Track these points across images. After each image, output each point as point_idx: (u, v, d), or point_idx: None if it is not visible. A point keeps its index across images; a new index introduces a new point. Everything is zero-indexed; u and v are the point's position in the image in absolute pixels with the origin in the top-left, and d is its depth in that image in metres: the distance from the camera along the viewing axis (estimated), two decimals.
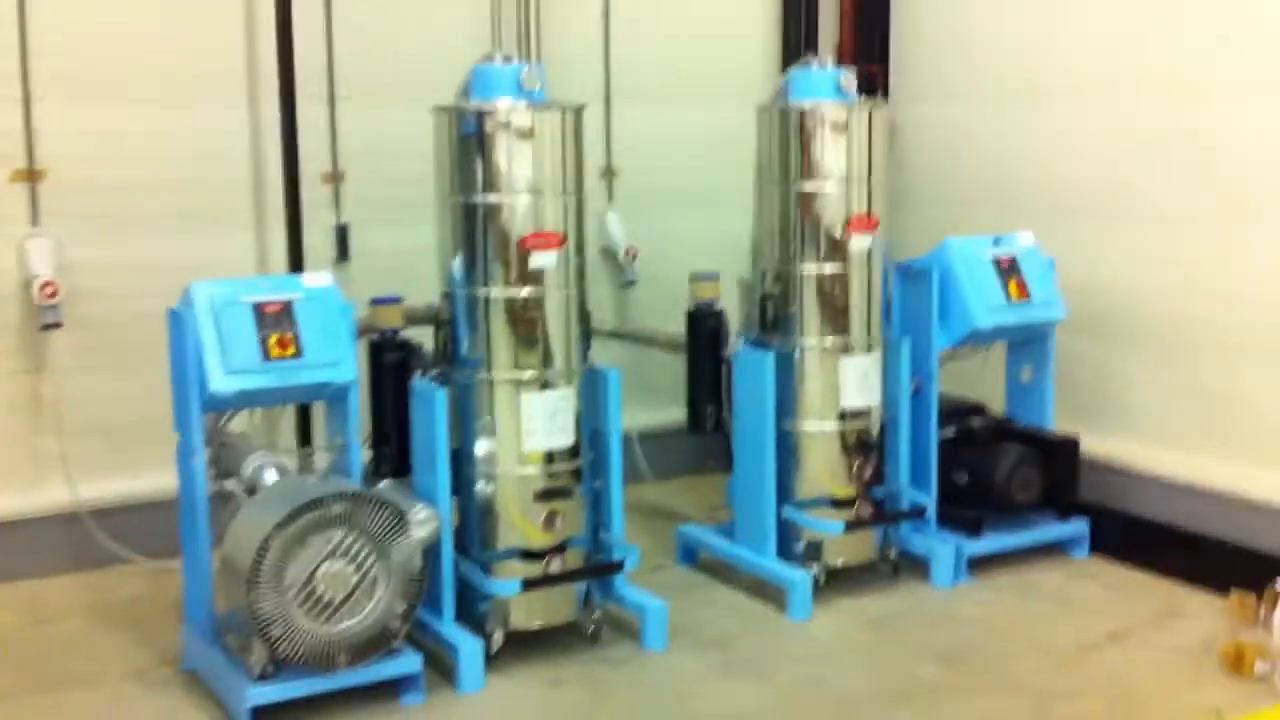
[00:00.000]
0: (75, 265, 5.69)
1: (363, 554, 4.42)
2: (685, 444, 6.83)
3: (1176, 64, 6.03)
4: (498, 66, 4.96)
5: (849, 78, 5.66)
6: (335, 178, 6.18)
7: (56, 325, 5.55)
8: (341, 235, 6.19)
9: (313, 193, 6.09)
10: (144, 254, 5.83)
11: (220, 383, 4.51)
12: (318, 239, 6.11)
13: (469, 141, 4.88)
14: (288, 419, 5.94)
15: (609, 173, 6.91)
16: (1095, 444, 6.14)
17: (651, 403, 6.60)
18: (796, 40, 7.34)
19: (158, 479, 5.53)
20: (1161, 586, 5.71)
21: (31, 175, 5.63)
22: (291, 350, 4.61)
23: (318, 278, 4.85)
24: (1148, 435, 6.20)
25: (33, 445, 5.77)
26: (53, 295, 5.50)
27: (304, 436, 5.83)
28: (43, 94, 5.63)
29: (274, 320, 4.61)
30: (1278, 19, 5.61)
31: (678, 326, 5.87)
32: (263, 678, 4.38)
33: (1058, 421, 6.17)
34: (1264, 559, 5.44)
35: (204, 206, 5.96)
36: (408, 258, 5.75)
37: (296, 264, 5.90)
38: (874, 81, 7.16)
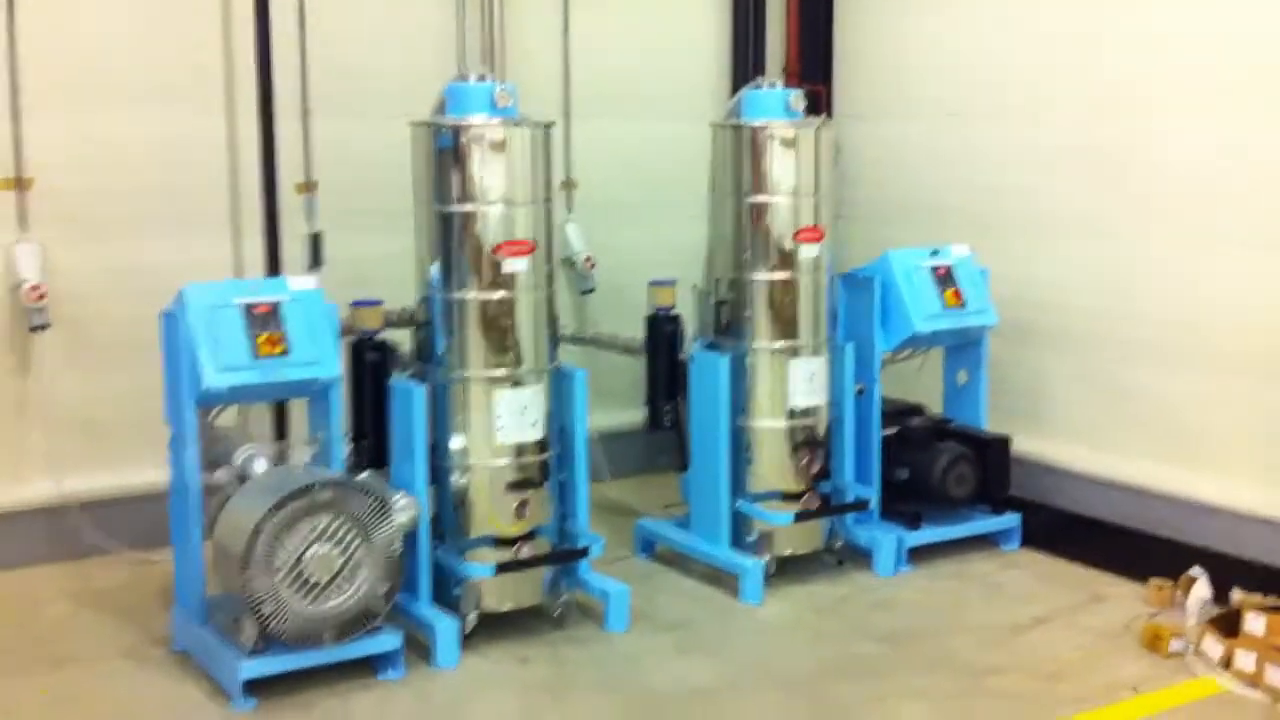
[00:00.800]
0: (61, 269, 5.89)
1: (347, 538, 4.72)
2: (640, 444, 7.16)
3: (1091, 87, 6.42)
4: (472, 85, 5.27)
5: (797, 98, 6.00)
6: (308, 187, 6.42)
7: (44, 327, 5.75)
8: (315, 242, 6.42)
9: (286, 201, 6.32)
10: (126, 258, 6.05)
11: (214, 379, 4.77)
12: (291, 246, 6.34)
13: (445, 154, 5.17)
14: (262, 415, 6.16)
15: (568, 185, 7.18)
16: (1026, 443, 6.50)
17: (609, 405, 6.86)
18: (746, 59, 7.66)
19: (139, 473, 5.81)
20: (1086, 575, 6.07)
21: (19, 184, 5.82)
22: (280, 349, 4.88)
23: (303, 281, 5.14)
24: (1074, 435, 6.56)
25: (19, 441, 5.95)
26: (40, 298, 5.71)
27: (280, 430, 6.07)
28: (30, 105, 5.82)
29: (263, 320, 4.89)
30: (1183, 47, 6.01)
31: (635, 331, 6.17)
32: (254, 653, 4.66)
33: (991, 422, 6.51)
34: (1181, 549, 5.82)
35: (183, 213, 6.20)
36: (375, 264, 6.07)
37: (274, 269, 6.15)
38: (818, 100, 7.47)
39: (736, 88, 7.18)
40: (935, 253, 6.39)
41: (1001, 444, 6.35)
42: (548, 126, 5.37)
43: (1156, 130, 6.16)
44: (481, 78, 5.31)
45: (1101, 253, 6.43)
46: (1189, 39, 6.00)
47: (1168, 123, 6.12)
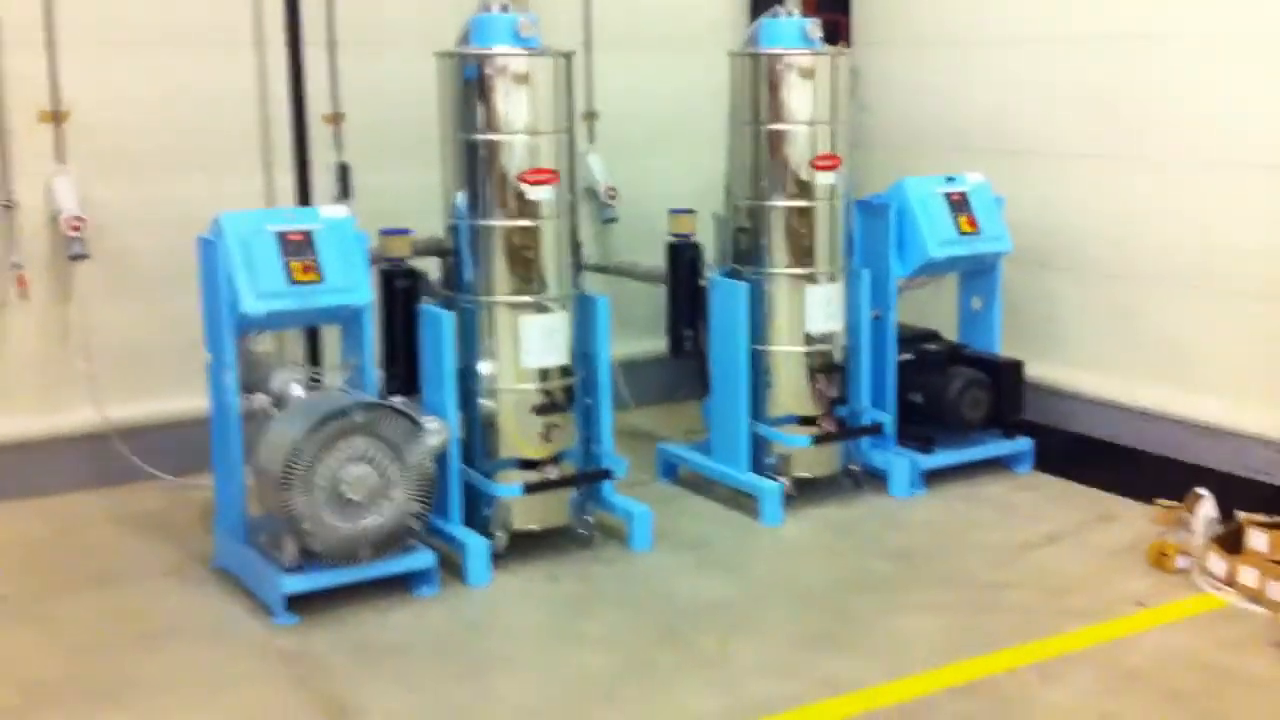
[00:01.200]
0: (98, 202, 6.03)
1: (382, 458, 4.90)
2: (661, 372, 7.26)
3: (1107, 16, 6.52)
4: (496, 15, 5.36)
5: (814, 26, 6.07)
6: (335, 119, 6.53)
7: (83, 257, 5.89)
8: (343, 173, 6.54)
9: (314, 133, 6.44)
10: (161, 191, 6.19)
11: (251, 305, 4.94)
12: (320, 177, 6.47)
13: (470, 85, 5.29)
14: (294, 340, 6.32)
15: (590, 116, 7.25)
16: (1038, 368, 6.64)
17: (631, 333, 6.94)
18: None
19: (179, 400, 6.00)
20: (1096, 496, 6.21)
21: (56, 117, 5.95)
22: (313, 275, 5.04)
23: (335, 209, 5.28)
24: (1085, 360, 6.70)
25: (61, 369, 6.13)
26: (78, 229, 5.84)
27: (312, 356, 6.23)
28: (64, 41, 5.94)
29: (297, 248, 5.03)
30: None
31: (656, 260, 6.31)
32: (294, 570, 4.87)
33: (1005, 348, 6.63)
34: (1188, 469, 5.97)
35: (215, 147, 6.33)
36: (402, 195, 6.17)
37: (305, 200, 6.29)
38: (837, 29, 7.52)
39: (756, 17, 7.28)
40: (950, 180, 6.48)
41: (1014, 369, 6.48)
42: (569, 56, 5.47)
43: (1169, 61, 6.24)
44: (504, 8, 5.40)
45: (1115, 181, 6.54)
46: None
47: (1179, 52, 6.20)
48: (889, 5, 7.73)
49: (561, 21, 6.97)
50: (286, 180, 6.39)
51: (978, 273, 6.66)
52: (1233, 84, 5.99)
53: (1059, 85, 6.76)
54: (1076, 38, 6.64)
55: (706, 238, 6.26)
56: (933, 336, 6.67)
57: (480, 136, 5.31)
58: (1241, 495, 5.64)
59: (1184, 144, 6.21)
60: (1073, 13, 6.66)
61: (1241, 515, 5.49)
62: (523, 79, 5.29)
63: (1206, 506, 5.56)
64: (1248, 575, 5.10)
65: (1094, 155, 6.61)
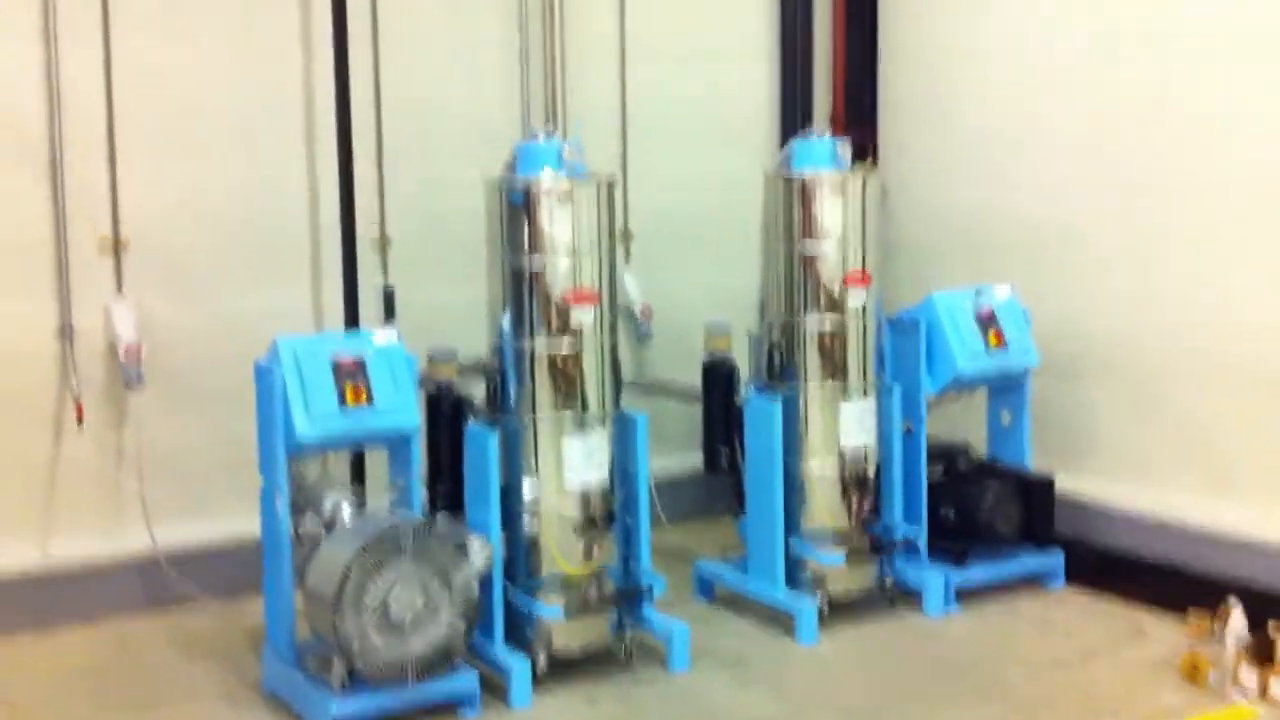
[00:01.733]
0: (152, 322, 6.17)
1: (429, 580, 4.99)
2: (696, 489, 7.26)
3: (1125, 123, 6.70)
4: (541, 144, 5.55)
5: (844, 146, 6.24)
6: (382, 238, 6.71)
7: (138, 380, 6.01)
8: (388, 295, 6.67)
9: (362, 251, 6.57)
10: (213, 309, 6.34)
11: (305, 428, 5.06)
12: (366, 294, 6.56)
13: (516, 210, 5.45)
14: (339, 460, 6.35)
15: (625, 235, 7.35)
16: (1069, 480, 6.67)
17: (665, 448, 6.90)
18: (794, 106, 7.86)
19: (230, 522, 6.07)
20: (1128, 611, 6.24)
21: (116, 244, 6.13)
22: (364, 399, 5.17)
23: (386, 334, 5.43)
24: (1114, 471, 6.74)
25: (116, 492, 6.21)
26: (135, 355, 5.98)
27: (359, 475, 6.29)
28: (122, 160, 6.12)
29: (349, 372, 5.17)
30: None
31: (692, 375, 6.40)
32: (342, 692, 4.92)
33: (1035, 460, 6.69)
34: (1219, 582, 5.95)
35: (265, 262, 6.48)
36: (444, 311, 6.35)
37: (353, 318, 6.42)
38: (864, 146, 7.64)
39: (785, 136, 7.48)
40: (978, 293, 6.59)
41: (1046, 484, 6.55)
42: (611, 182, 5.65)
43: (1196, 154, 6.39)
44: (549, 135, 5.61)
45: (1143, 283, 6.65)
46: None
47: (1204, 148, 6.35)
48: (914, 118, 7.88)
49: (598, 136, 7.07)
50: (335, 295, 6.52)
51: (1006, 386, 6.74)
52: (1259, 174, 6.14)
53: (1084, 186, 6.88)
54: (1102, 140, 6.79)
55: (740, 351, 6.36)
56: (963, 451, 6.74)
57: (526, 260, 5.45)
58: (1275, 606, 5.65)
59: (1218, 240, 6.31)
60: (1104, 123, 6.79)
61: (1272, 625, 5.54)
62: (566, 205, 5.45)
63: (1237, 617, 5.58)
64: (1279, 686, 5.14)
65: (1122, 255, 6.71)
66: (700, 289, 7.50)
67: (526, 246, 5.45)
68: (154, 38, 6.19)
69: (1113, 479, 6.75)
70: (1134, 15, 6.64)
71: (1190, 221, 6.42)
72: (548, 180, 5.45)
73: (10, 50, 5.95)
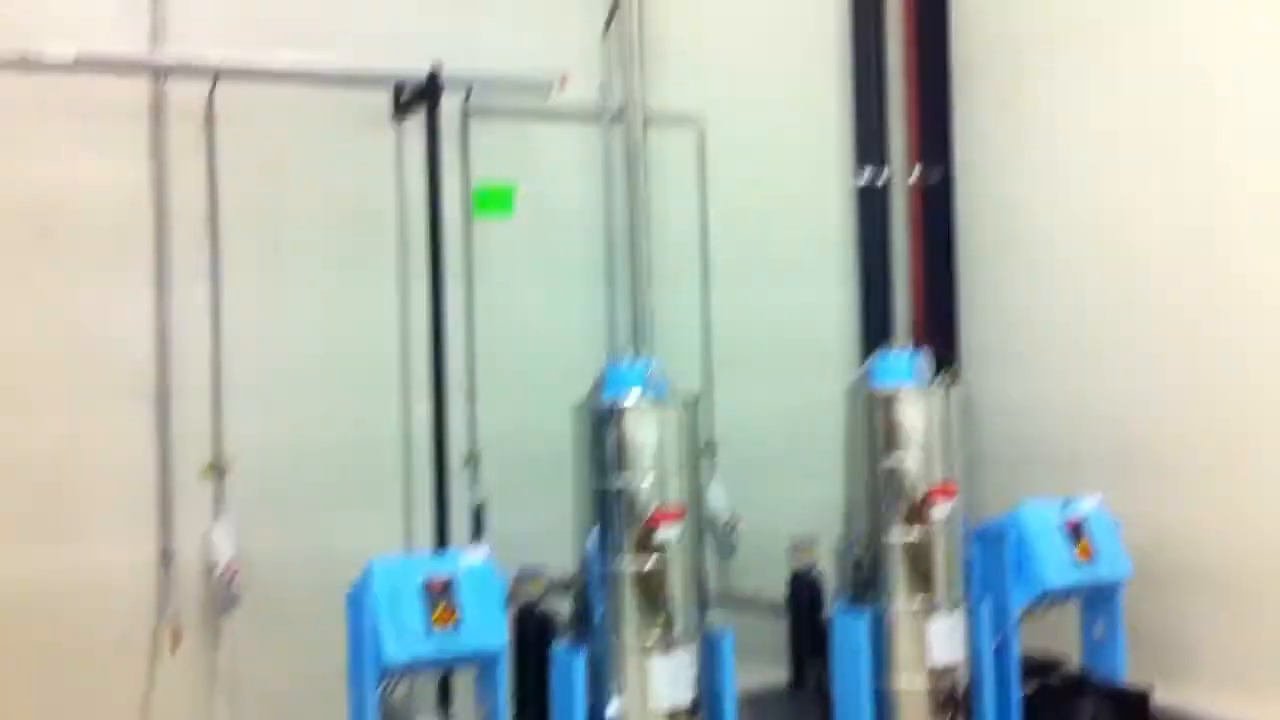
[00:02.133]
0: (248, 547, 6.30)
1: None
2: (782, 704, 7.03)
3: (1209, 321, 6.76)
4: (626, 367, 5.77)
5: (925, 360, 6.37)
6: (472, 460, 6.88)
7: (234, 604, 6.16)
8: (478, 515, 6.80)
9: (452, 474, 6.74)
10: (308, 534, 6.48)
11: (394, 652, 5.16)
12: (456, 514, 6.69)
13: (602, 433, 5.63)
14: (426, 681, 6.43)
15: (710, 447, 7.44)
16: (1166, 693, 6.52)
17: (750, 664, 6.61)
18: (874, 321, 8.02)
19: None
20: None
21: (218, 470, 6.36)
22: (452, 621, 5.27)
23: (475, 553, 5.56)
24: (1214, 679, 6.61)
25: (207, 717, 6.31)
26: (233, 579, 6.13)
27: (443, 696, 6.36)
28: (228, 393, 6.41)
29: (438, 594, 5.29)
30: None
31: (775, 585, 6.43)
32: None
33: (1131, 672, 6.56)
34: None
35: (359, 489, 6.65)
36: (534, 529, 6.41)
37: (443, 541, 6.54)
38: (946, 358, 7.73)
39: (866, 348, 7.62)
40: (1067, 504, 6.58)
41: (1141, 699, 6.41)
42: (695, 402, 5.81)
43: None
44: (634, 360, 5.82)
45: (1240, 491, 6.59)
46: None
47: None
48: (996, 328, 7.98)
49: (682, 358, 7.28)
50: (425, 517, 6.65)
51: (1099, 598, 6.67)
52: None
53: (1171, 392, 6.90)
54: (1186, 345, 6.83)
55: (825, 564, 6.39)
56: (1056, 665, 6.64)
57: (611, 481, 5.59)
58: None
59: None
60: (1183, 312, 6.86)
61: None
62: (651, 425, 5.61)
63: None
64: None
65: (1214, 463, 6.68)
66: (786, 501, 7.51)
67: (611, 468, 5.59)
68: (258, 279, 6.54)
69: (1214, 691, 6.59)
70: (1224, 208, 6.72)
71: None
72: (632, 401, 5.63)
73: (127, 294, 6.28)
